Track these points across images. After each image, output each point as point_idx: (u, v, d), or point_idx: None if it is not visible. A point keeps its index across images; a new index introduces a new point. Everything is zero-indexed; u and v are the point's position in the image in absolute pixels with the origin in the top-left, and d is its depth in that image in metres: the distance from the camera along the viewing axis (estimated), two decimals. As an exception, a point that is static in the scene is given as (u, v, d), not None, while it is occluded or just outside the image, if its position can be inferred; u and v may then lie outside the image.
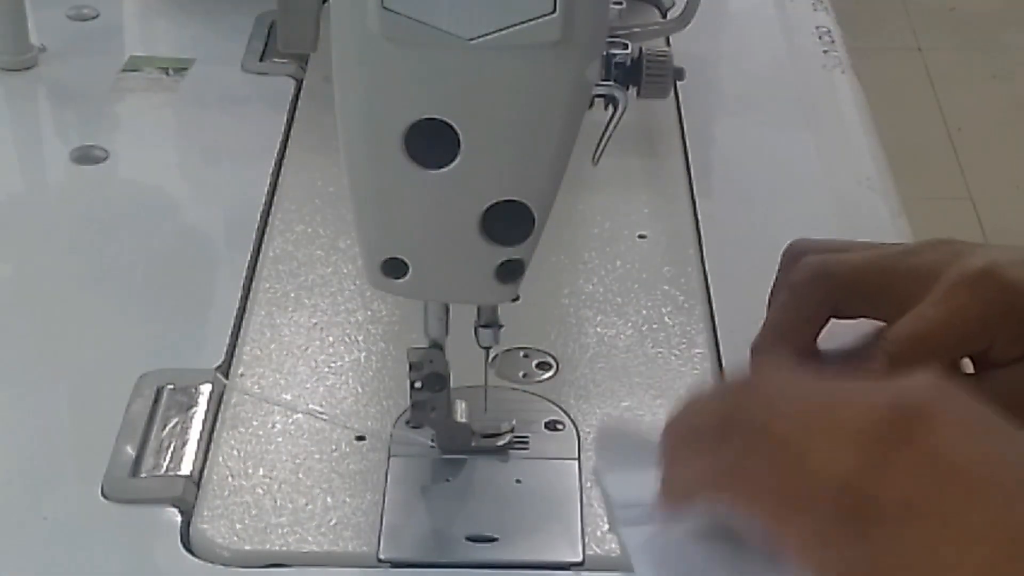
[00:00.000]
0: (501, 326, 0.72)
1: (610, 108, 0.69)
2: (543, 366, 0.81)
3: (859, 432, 0.61)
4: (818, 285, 0.73)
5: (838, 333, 0.72)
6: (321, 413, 0.77)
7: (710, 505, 0.64)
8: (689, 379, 0.79)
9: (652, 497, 0.65)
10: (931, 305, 0.72)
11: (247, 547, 0.70)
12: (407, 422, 0.75)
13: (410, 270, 0.68)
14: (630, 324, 0.83)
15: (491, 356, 0.75)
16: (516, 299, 0.69)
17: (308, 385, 0.79)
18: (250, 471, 0.74)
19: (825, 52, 1.10)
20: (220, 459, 0.74)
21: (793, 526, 0.61)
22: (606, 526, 0.71)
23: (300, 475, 0.74)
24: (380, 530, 0.71)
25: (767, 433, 0.62)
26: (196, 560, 0.70)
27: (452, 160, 0.64)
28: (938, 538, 0.59)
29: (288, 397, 0.78)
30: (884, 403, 0.62)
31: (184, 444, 0.76)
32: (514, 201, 0.65)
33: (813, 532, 0.60)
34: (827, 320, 0.75)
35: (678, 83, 0.84)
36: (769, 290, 0.77)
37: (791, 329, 0.73)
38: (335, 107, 0.65)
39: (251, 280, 0.87)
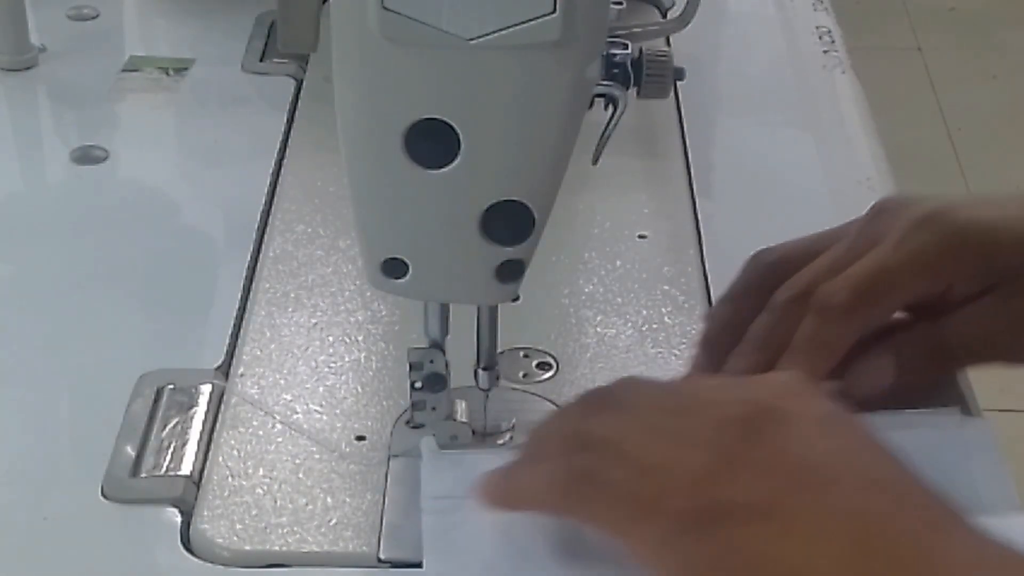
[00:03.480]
0: (498, 375, 0.73)
1: (610, 108, 0.69)
2: (543, 366, 0.81)
3: (709, 435, 0.62)
4: (796, 307, 0.73)
5: None
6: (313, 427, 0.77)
7: (550, 513, 0.66)
8: (689, 379, 0.79)
9: (462, 491, 0.68)
10: (889, 246, 0.73)
11: (247, 547, 0.70)
12: (407, 422, 0.75)
13: (410, 270, 0.68)
14: (630, 324, 0.83)
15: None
16: (516, 299, 0.69)
17: (308, 385, 0.79)
18: (250, 471, 0.74)
19: (825, 52, 1.10)
20: (220, 459, 0.75)
21: (639, 534, 0.62)
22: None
23: (300, 475, 0.74)
24: (380, 530, 0.71)
25: (619, 445, 0.64)
26: (196, 560, 0.70)
27: (452, 160, 0.64)
28: (785, 539, 0.59)
29: (288, 397, 0.78)
30: (737, 404, 0.63)
31: (184, 444, 0.76)
32: (514, 201, 0.65)
33: (659, 538, 0.61)
34: (764, 300, 0.75)
35: (678, 83, 0.84)
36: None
37: (772, 345, 0.73)
38: (335, 107, 0.65)
39: (251, 280, 0.87)
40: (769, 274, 0.77)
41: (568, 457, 0.65)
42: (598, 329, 0.83)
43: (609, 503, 0.63)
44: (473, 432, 0.74)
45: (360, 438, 0.76)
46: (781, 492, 0.60)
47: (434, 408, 0.73)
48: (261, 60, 1.08)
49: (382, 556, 0.70)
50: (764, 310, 0.75)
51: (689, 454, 0.62)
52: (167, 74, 1.06)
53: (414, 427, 0.74)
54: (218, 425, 0.77)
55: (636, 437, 0.64)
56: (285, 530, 0.71)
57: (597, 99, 0.68)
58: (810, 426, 0.63)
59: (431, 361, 0.72)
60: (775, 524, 0.60)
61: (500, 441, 0.74)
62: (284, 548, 0.70)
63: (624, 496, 0.62)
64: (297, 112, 1.03)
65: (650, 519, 0.62)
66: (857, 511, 0.60)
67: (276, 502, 0.72)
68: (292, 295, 0.85)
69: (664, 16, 1.11)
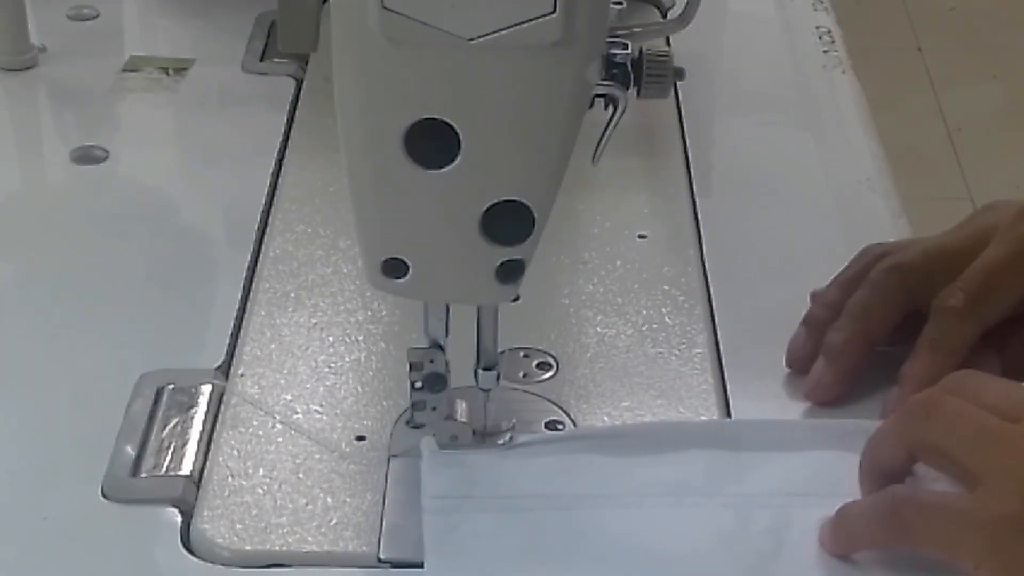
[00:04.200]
0: (499, 375, 0.73)
1: (610, 108, 0.69)
2: (543, 366, 0.81)
3: None
4: (894, 276, 0.77)
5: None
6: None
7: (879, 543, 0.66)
8: (689, 379, 0.79)
9: (462, 490, 0.70)
10: (998, 242, 0.75)
11: (247, 547, 0.70)
12: (407, 422, 0.75)
13: (410, 270, 0.68)
14: (630, 324, 0.83)
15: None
16: (516, 299, 0.69)
17: (308, 385, 0.79)
18: (250, 471, 0.74)
19: (825, 52, 1.10)
20: (220, 459, 0.75)
21: (964, 546, 0.62)
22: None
23: (300, 475, 0.74)
24: (380, 530, 0.71)
25: (947, 452, 0.64)
26: (196, 560, 0.70)
27: (452, 160, 0.64)
28: None
29: (288, 397, 0.78)
30: None
31: (184, 444, 0.76)
32: (514, 201, 0.65)
33: (985, 547, 0.61)
34: (904, 310, 0.77)
35: (678, 83, 0.84)
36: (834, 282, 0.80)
37: (870, 316, 0.77)
38: (335, 107, 0.65)
39: (251, 280, 0.87)
40: (874, 258, 0.79)
41: (883, 491, 0.65)
42: (598, 329, 0.83)
43: (930, 521, 0.63)
44: (473, 432, 0.73)
45: (360, 438, 0.76)
46: None
47: (434, 408, 0.73)
48: (261, 60, 1.08)
49: (382, 556, 0.70)
50: (861, 285, 0.77)
51: (1014, 459, 0.62)
52: (167, 74, 1.06)
53: (414, 427, 0.74)
54: (218, 425, 0.77)
55: (965, 444, 0.63)
56: (285, 530, 0.71)
57: (597, 99, 0.68)
58: None
59: (431, 361, 0.72)
60: None
61: (500, 441, 0.74)
62: (284, 548, 0.70)
63: (945, 510, 0.63)
64: (297, 112, 1.03)
65: (974, 529, 0.61)
66: None
67: (276, 502, 0.72)
68: (292, 295, 0.85)
69: (664, 16, 1.11)
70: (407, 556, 0.69)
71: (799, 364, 0.79)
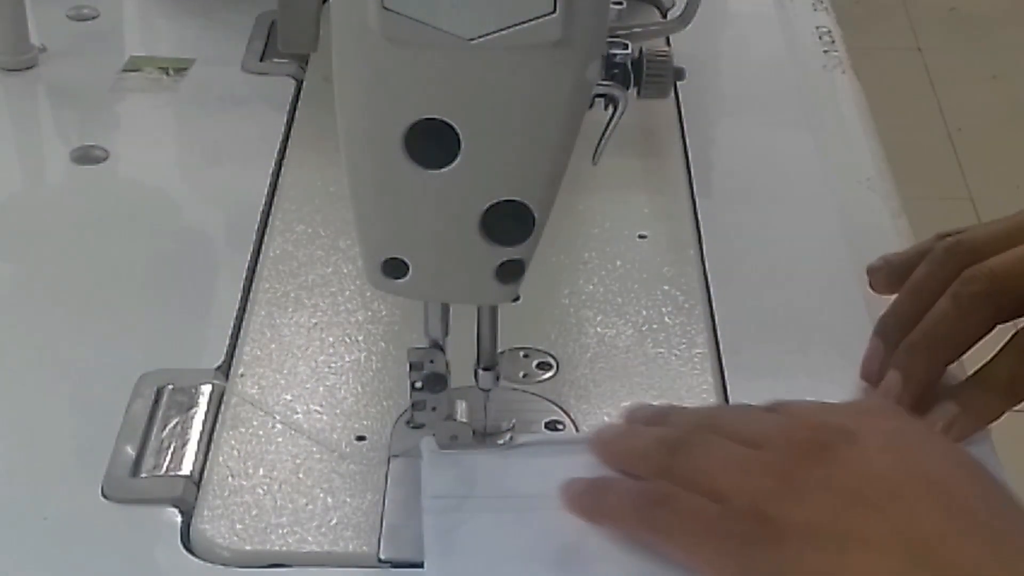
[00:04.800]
0: (499, 375, 0.73)
1: (610, 108, 0.69)
2: (543, 366, 0.81)
3: (776, 461, 0.64)
4: (988, 308, 0.72)
5: None
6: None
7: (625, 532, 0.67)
8: (689, 379, 0.80)
9: (462, 490, 0.70)
10: None
11: (247, 547, 0.70)
12: (407, 422, 0.75)
13: (410, 270, 0.68)
14: (630, 324, 0.83)
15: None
16: (516, 299, 0.69)
17: (308, 385, 0.79)
18: (250, 471, 0.74)
19: (825, 52, 1.10)
20: (220, 459, 0.75)
21: (705, 555, 0.64)
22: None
23: (300, 475, 0.74)
24: (380, 530, 0.71)
25: (695, 478, 0.66)
26: (196, 560, 0.70)
27: (452, 160, 0.64)
28: (842, 557, 0.60)
29: (288, 397, 0.78)
30: (808, 428, 0.64)
31: (184, 444, 0.76)
32: (514, 201, 0.65)
33: (723, 559, 0.63)
34: (989, 330, 0.74)
35: (678, 83, 0.84)
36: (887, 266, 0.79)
37: (955, 343, 0.73)
38: (335, 107, 0.65)
39: (251, 280, 0.87)
40: (953, 264, 0.74)
41: (650, 482, 0.67)
42: (598, 329, 0.83)
43: (680, 527, 0.64)
44: (473, 432, 0.73)
45: (360, 438, 0.76)
46: (839, 510, 0.60)
47: (434, 408, 0.73)
48: (261, 60, 1.08)
49: (382, 556, 0.70)
50: (946, 296, 0.73)
51: (755, 481, 0.63)
52: (167, 74, 1.06)
53: (414, 427, 0.74)
54: (218, 425, 0.77)
55: (711, 470, 0.65)
56: (285, 530, 0.71)
57: (597, 99, 0.68)
58: (876, 442, 0.63)
59: (431, 361, 0.72)
60: (832, 542, 0.60)
61: (500, 441, 0.74)
62: (284, 548, 0.70)
63: (692, 520, 0.64)
64: (297, 112, 1.03)
65: (714, 541, 0.63)
66: (917, 530, 0.59)
67: (276, 502, 0.72)
68: (292, 295, 0.85)
69: (664, 16, 1.11)
70: (407, 556, 0.69)
71: (877, 380, 0.76)
